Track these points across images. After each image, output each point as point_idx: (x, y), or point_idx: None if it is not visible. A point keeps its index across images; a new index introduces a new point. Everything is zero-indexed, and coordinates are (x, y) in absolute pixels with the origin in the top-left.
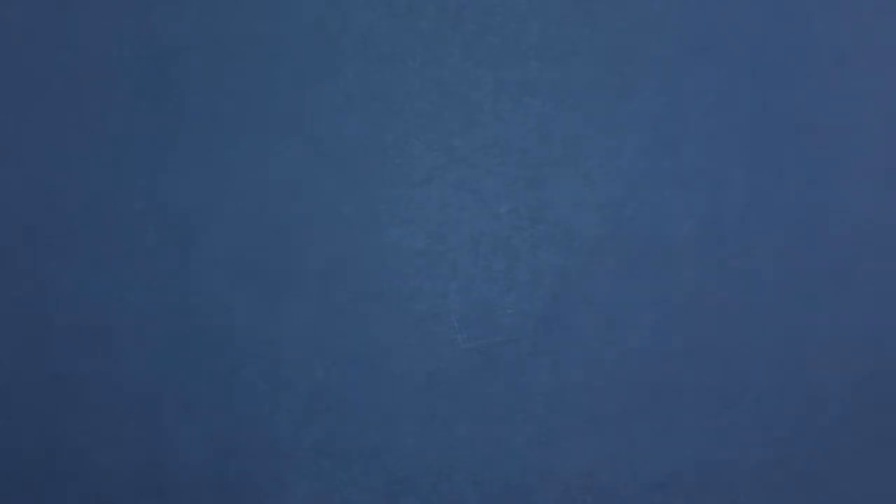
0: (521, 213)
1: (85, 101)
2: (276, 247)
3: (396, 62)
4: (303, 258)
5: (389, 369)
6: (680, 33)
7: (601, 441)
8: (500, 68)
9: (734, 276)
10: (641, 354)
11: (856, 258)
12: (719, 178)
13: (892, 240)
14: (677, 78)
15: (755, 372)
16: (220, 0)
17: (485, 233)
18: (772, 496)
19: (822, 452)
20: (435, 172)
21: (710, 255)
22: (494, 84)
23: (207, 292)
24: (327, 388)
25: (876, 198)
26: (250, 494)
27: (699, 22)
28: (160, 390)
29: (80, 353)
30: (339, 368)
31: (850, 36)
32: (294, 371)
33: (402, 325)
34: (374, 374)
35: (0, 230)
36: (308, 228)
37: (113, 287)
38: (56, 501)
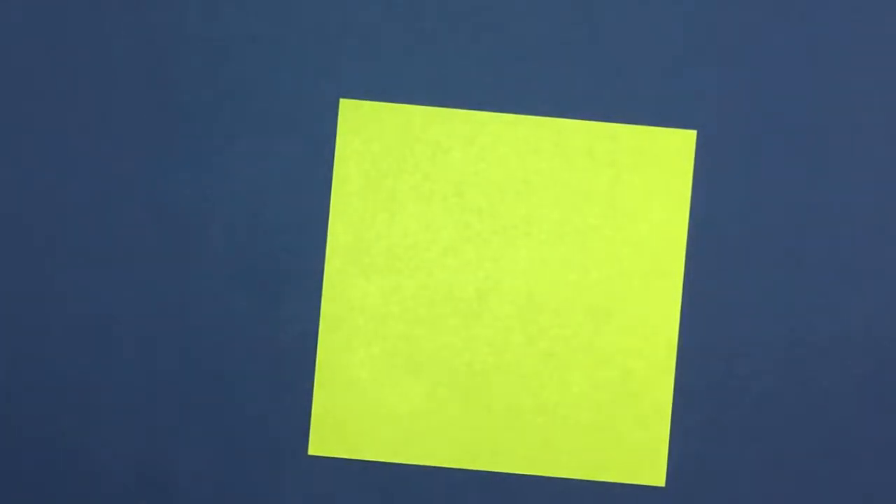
0: None
1: (85, 101)
2: (276, 247)
3: (396, 62)
4: (302, 258)
5: None
6: (680, 33)
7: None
8: (501, 68)
9: (734, 276)
10: None
11: (856, 258)
12: (720, 178)
13: (893, 240)
14: (677, 78)
15: (756, 372)
16: (220, 0)
17: None
18: (772, 496)
19: (822, 452)
20: None
21: (710, 255)
22: (494, 84)
23: (207, 292)
24: None
25: (876, 198)
26: (250, 494)
27: (699, 22)
28: (160, 390)
29: (80, 353)
30: None
31: (850, 36)
32: (294, 371)
33: None
34: None
35: (0, 230)
36: (308, 228)
37: (113, 287)
38: (56, 501)
